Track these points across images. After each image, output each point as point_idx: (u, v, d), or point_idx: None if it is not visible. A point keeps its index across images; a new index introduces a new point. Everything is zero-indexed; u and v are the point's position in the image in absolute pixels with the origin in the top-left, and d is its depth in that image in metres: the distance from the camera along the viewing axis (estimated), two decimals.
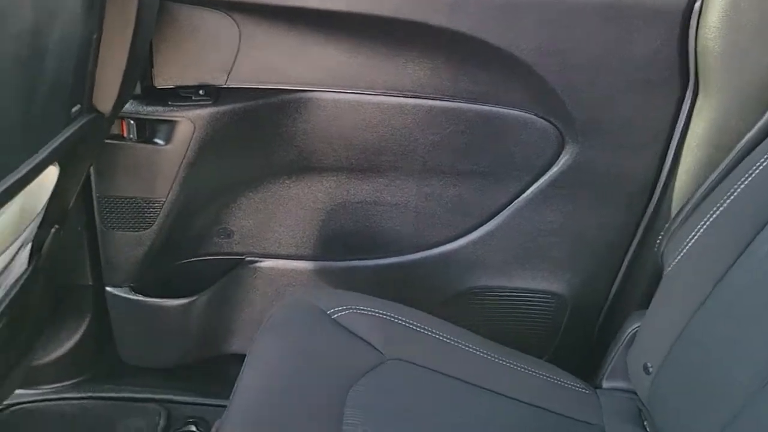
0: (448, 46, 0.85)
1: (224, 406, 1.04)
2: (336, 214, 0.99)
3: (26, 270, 0.68)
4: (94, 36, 0.59)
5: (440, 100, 0.90)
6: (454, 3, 0.81)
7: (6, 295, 0.64)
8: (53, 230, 0.71)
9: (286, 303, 0.81)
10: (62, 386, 1.05)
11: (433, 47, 0.86)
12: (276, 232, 1.01)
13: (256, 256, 1.03)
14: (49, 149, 0.56)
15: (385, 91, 0.89)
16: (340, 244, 1.01)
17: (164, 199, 0.91)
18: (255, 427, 0.66)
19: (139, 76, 0.78)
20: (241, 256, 1.03)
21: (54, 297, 0.89)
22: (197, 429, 1.01)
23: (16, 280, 0.67)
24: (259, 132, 0.91)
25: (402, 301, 0.84)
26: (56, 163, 0.60)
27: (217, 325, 1.06)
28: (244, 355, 1.08)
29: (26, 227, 0.58)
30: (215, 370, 1.10)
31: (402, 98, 0.90)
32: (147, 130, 0.87)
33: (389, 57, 0.87)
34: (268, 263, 1.03)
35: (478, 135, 0.92)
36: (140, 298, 1.00)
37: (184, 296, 1.01)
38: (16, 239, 0.57)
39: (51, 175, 0.59)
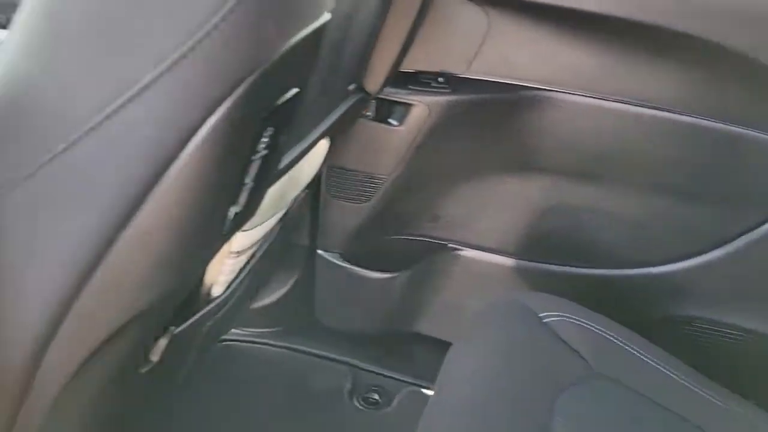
0: (709, 60, 0.80)
1: (405, 382, 1.09)
2: (548, 216, 0.98)
3: (275, 226, 0.75)
4: (380, 22, 0.63)
5: (685, 115, 0.85)
6: (729, 16, 0.75)
7: (260, 248, 0.71)
8: (303, 193, 0.77)
9: (498, 299, 0.82)
10: (264, 332, 1.14)
11: (691, 59, 0.81)
12: (483, 224, 1.02)
13: (459, 244, 1.05)
14: (329, 122, 0.60)
15: (626, 99, 0.86)
16: (548, 246, 1.00)
17: (386, 177, 0.96)
18: (462, 417, 0.68)
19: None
20: (445, 241, 1.05)
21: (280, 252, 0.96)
22: (380, 398, 1.06)
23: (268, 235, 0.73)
24: (490, 125, 0.92)
25: (603, 314, 0.82)
26: (327, 136, 0.64)
27: (410, 303, 1.10)
28: (430, 337, 1.12)
29: (296, 192, 0.64)
30: (400, 346, 1.14)
31: (643, 108, 0.86)
32: (384, 110, 0.91)
33: (639, 65, 0.83)
34: (469, 253, 1.04)
35: (720, 157, 0.86)
36: (346, 265, 1.06)
37: (386, 270, 1.06)
38: (288, 202, 0.63)
39: (323, 146, 0.64)
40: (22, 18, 0.35)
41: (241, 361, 1.10)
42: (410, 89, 0.89)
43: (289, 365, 1.11)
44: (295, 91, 0.39)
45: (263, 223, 0.59)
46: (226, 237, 0.46)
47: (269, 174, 0.43)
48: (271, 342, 1.13)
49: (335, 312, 1.14)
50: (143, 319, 0.45)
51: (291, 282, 1.11)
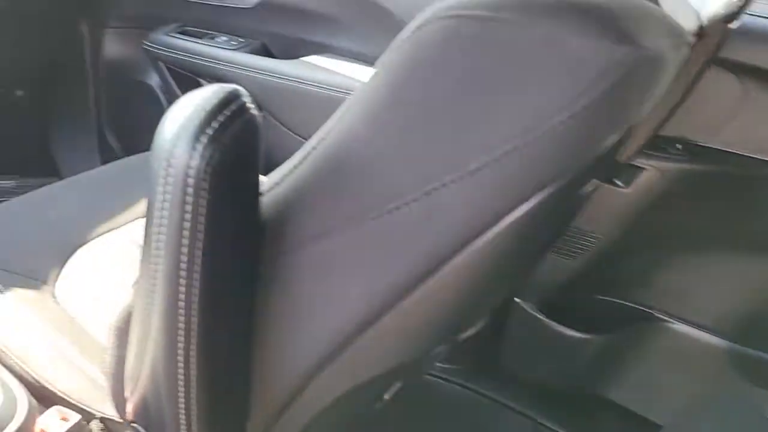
0: None
1: None
2: None
3: None
4: None
5: None
6: None
7: None
8: None
9: (718, 389, 0.76)
10: (449, 368, 1.16)
11: None
12: (701, 300, 0.95)
13: (667, 315, 0.99)
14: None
15: None
16: None
17: (602, 237, 0.93)
18: None
19: None
20: (654, 310, 1.00)
21: None
22: None
23: None
24: (726, 198, 0.86)
25: None
26: None
27: (606, 368, 1.05)
28: (622, 407, 1.07)
29: None
30: (587, 409, 1.10)
31: None
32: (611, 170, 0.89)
33: None
34: (680, 327, 0.98)
35: None
36: (542, 317, 1.05)
37: (584, 330, 1.03)
38: None
39: None
40: (369, 87, 0.39)
41: (419, 393, 1.12)
42: (644, 152, 0.86)
43: (467, 405, 1.11)
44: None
45: None
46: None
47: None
48: (453, 379, 1.14)
49: (522, 361, 1.12)
50: (404, 367, 0.48)
51: (481, 324, 1.11)
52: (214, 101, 0.38)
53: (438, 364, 1.16)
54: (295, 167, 0.43)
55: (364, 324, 0.44)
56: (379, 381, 0.50)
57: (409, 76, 0.37)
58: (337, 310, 0.44)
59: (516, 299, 1.06)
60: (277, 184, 0.44)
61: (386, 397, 0.59)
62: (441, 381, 1.14)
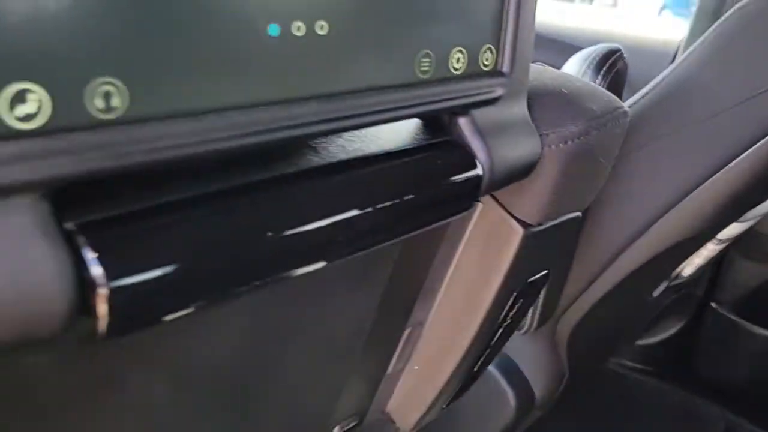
0: None
1: None
2: None
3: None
4: None
5: None
6: None
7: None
8: None
9: None
10: (642, 368, 1.28)
11: None
12: None
13: None
14: None
15: None
16: None
17: None
18: None
19: None
20: None
21: None
22: None
23: None
24: None
25: None
26: None
27: None
28: None
29: None
30: None
31: None
32: None
33: None
34: None
35: None
36: (739, 320, 1.17)
37: None
38: None
39: None
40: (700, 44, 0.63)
41: (616, 390, 1.25)
42: None
43: (659, 404, 1.21)
44: None
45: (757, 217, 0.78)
46: None
47: None
48: (643, 378, 1.26)
49: (717, 364, 1.23)
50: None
51: (677, 327, 1.24)
52: None
53: (630, 364, 1.29)
54: (650, 90, 0.66)
55: (669, 206, 0.65)
56: (661, 262, 0.68)
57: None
58: (653, 196, 0.65)
59: (713, 304, 1.20)
60: (636, 101, 0.66)
61: (655, 294, 0.77)
62: (635, 379, 1.26)
